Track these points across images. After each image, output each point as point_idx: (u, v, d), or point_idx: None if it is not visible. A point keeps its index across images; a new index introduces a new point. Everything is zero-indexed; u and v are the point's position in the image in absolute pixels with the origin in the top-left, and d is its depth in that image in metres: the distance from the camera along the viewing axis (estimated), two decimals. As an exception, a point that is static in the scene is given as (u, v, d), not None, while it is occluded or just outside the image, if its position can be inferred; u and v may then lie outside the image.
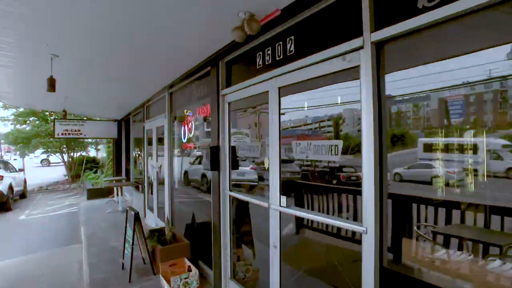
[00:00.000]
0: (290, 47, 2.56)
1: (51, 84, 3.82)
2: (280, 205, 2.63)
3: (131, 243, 4.39)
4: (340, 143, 2.07)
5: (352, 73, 2.05)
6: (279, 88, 2.65)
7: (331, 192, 5.81)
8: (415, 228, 4.50)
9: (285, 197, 2.59)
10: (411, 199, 4.84)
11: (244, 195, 3.37)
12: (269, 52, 2.85)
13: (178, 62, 4.23)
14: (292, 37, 2.54)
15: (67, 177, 17.39)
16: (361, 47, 1.86)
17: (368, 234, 1.83)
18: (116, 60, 4.16)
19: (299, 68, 2.41)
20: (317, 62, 2.24)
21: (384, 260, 1.80)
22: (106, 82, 5.60)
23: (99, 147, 19.88)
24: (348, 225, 1.98)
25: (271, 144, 2.73)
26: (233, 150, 3.73)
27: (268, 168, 2.84)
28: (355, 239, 4.93)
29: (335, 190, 5.85)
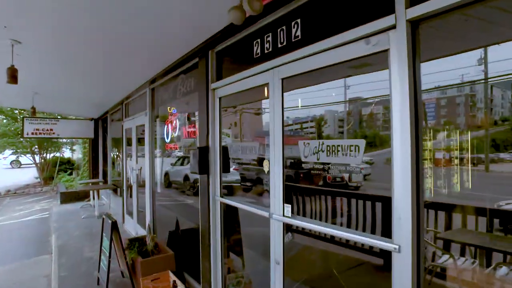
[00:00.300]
0: (296, 32, 2.21)
1: (12, 75, 3.29)
2: (284, 215, 2.27)
3: (107, 254, 3.91)
4: (362, 143, 1.74)
5: (375, 60, 1.73)
6: (282, 79, 2.30)
7: (325, 195, 5.57)
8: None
9: (289, 205, 2.24)
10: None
11: (239, 203, 2.99)
12: (269, 39, 2.49)
13: (161, 54, 3.80)
14: (299, 20, 2.19)
15: (39, 180, 16.31)
16: (392, 27, 1.53)
17: (402, 253, 1.50)
18: (91, 52, 3.67)
19: (308, 56, 2.06)
20: (330, 48, 1.90)
21: (421, 286, 1.48)
22: (81, 77, 5.06)
23: (74, 147, 18.82)
24: (375, 242, 1.65)
25: (273, 145, 2.37)
26: (224, 151, 3.35)
27: (268, 171, 2.48)
28: (349, 244, 4.70)
29: (332, 194, 5.60)
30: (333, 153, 1.88)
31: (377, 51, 1.64)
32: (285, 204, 2.28)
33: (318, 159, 1.99)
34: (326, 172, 2.02)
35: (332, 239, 4.79)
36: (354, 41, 1.75)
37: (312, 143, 2.05)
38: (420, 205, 1.48)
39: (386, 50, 1.59)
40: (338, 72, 2.98)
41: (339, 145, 1.85)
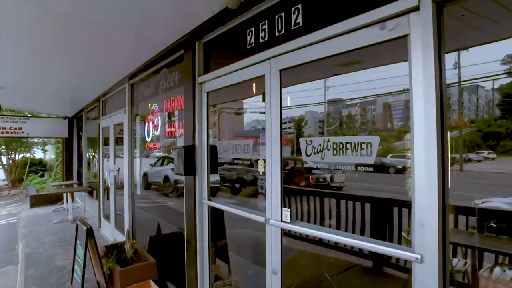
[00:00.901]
0: (296, 18, 2.01)
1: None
2: (282, 221, 2.06)
3: (82, 264, 3.57)
4: (375, 140, 1.56)
5: (391, 48, 1.56)
6: (281, 70, 2.09)
7: (313, 196, 5.43)
8: (403, 234, 4.22)
9: (288, 210, 2.04)
10: (392, 203, 4.60)
11: (230, 207, 2.75)
12: (265, 27, 2.28)
13: (143, 46, 3.50)
14: (299, 6, 1.99)
15: (6, 182, 15.29)
16: (415, 9, 1.36)
17: (424, 264, 1.33)
18: (64, 42, 3.31)
19: (311, 44, 1.86)
20: (337, 35, 1.71)
21: (447, 300, 1.31)
22: (52, 71, 4.64)
23: (46, 147, 17.83)
24: (392, 251, 1.47)
25: (269, 144, 2.16)
26: (212, 150, 3.10)
27: (263, 172, 2.27)
28: (338, 246, 4.58)
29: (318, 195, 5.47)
30: (341, 151, 1.69)
31: (394, 37, 1.46)
32: (283, 208, 2.07)
33: (323, 158, 1.80)
34: (331, 172, 1.82)
35: (320, 242, 4.65)
36: (365, 26, 1.57)
37: (316, 140, 1.85)
38: (446, 209, 1.31)
39: (405, 36, 1.41)
40: (337, 68, 2.81)
41: (348, 143, 1.66)
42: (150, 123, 4.61)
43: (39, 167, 16.02)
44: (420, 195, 1.35)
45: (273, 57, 2.13)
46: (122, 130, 5.42)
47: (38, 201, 9.78)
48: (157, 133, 4.50)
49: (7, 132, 8.74)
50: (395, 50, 1.60)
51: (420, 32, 1.34)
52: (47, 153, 18.25)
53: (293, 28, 2.04)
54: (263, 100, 2.37)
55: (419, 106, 1.35)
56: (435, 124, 1.29)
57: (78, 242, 3.84)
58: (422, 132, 1.33)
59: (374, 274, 4.36)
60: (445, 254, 1.31)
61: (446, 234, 1.31)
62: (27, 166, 15.06)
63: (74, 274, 3.79)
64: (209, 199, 3.05)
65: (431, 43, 1.30)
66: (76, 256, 3.82)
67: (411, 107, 1.38)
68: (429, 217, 1.31)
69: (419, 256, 1.34)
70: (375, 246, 1.54)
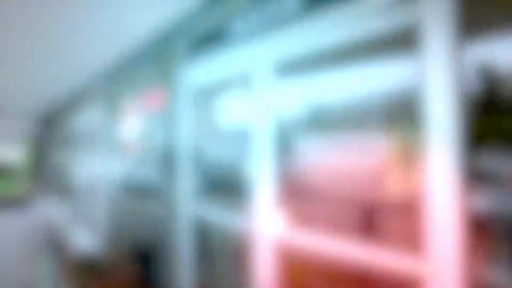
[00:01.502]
0: (293, 4, 1.84)
1: None
2: (275, 228, 1.89)
3: (51, 280, 3.25)
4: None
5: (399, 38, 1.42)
6: (275, 64, 1.91)
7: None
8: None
9: (282, 215, 1.87)
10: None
11: (214, 213, 2.55)
12: (256, 16, 2.09)
13: (119, 32, 3.22)
14: (293, -8, 1.82)
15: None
16: (429, -11, 1.22)
17: (439, 280, 1.19)
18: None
19: (306, 34, 1.70)
20: (338, 24, 1.56)
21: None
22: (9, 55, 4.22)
23: (13, 146, 16.77)
24: (399, 262, 1.33)
25: (261, 142, 1.98)
26: (195, 151, 2.88)
27: (252, 174, 2.09)
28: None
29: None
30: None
31: (402, 23, 1.32)
32: (276, 214, 1.90)
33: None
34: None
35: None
36: (369, 10, 1.42)
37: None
38: (465, 215, 1.19)
39: (417, 22, 1.27)
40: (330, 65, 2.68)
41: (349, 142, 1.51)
42: (128, 121, 4.33)
43: (3, 167, 15.03)
44: (435, 199, 1.21)
45: (264, 49, 1.95)
46: (97, 128, 5.10)
47: (2, 206, 9.12)
48: (135, 132, 4.23)
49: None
50: (400, 41, 1.47)
51: (438, 16, 1.20)
52: (13, 152, 17.19)
53: (288, 15, 1.86)
54: (251, 98, 2.20)
55: (436, 105, 1.21)
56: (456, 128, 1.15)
57: (46, 254, 3.51)
58: (440, 130, 1.19)
59: (363, 278, 4.31)
60: (464, 266, 1.18)
61: (465, 242, 1.18)
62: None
63: (42, 289, 3.45)
64: (194, 205, 2.84)
65: (451, 30, 1.16)
66: (44, 270, 3.48)
67: (423, 104, 1.24)
68: (448, 223, 1.18)
69: (433, 271, 1.21)
70: (379, 255, 1.39)
